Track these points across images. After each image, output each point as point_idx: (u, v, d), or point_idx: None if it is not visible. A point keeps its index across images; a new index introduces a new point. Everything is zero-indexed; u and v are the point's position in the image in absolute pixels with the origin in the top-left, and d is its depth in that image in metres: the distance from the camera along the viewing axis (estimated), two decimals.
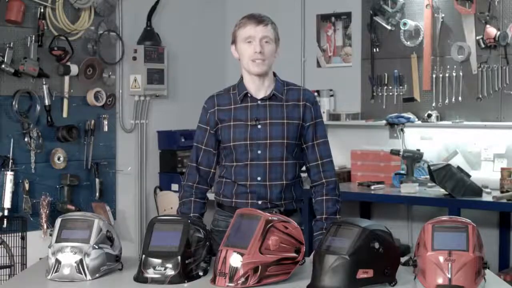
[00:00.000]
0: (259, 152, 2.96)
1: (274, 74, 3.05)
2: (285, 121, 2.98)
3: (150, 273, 2.51)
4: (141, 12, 5.65)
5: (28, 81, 4.89)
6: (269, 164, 2.97)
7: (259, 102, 2.99)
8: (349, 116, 5.75)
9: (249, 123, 2.97)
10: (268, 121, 2.97)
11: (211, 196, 3.10)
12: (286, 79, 3.11)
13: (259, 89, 3.00)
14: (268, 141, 2.96)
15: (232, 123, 2.98)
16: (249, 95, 3.00)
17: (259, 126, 2.97)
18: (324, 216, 3.01)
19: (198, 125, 3.10)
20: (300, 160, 3.06)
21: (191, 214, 3.00)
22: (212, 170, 3.07)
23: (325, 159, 3.06)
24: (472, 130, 5.30)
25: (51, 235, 2.74)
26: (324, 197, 3.04)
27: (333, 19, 5.98)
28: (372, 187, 5.21)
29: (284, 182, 2.98)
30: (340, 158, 5.54)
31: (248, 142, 2.96)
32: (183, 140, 5.79)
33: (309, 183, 3.10)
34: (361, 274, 2.37)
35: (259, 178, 2.97)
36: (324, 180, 3.04)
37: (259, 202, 2.96)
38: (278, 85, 3.03)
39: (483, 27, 5.21)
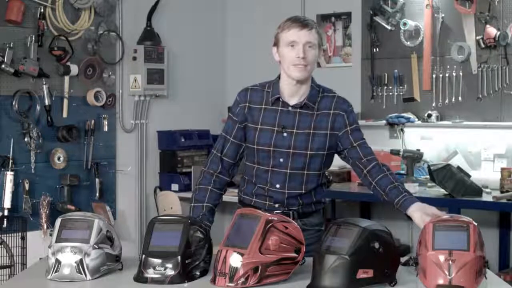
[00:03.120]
0: (281, 160, 2.93)
1: (312, 79, 2.98)
2: (311, 131, 2.92)
3: (150, 273, 2.51)
4: (141, 12, 5.66)
5: (28, 81, 4.89)
6: (290, 173, 2.94)
7: (290, 108, 2.94)
8: None
9: (275, 128, 2.93)
10: (294, 131, 2.92)
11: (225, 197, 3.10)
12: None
13: (293, 95, 2.94)
14: (291, 151, 2.92)
15: (259, 126, 2.94)
16: (281, 99, 2.94)
17: (284, 134, 2.92)
18: (395, 184, 2.88)
19: (229, 115, 3.04)
20: (325, 169, 3.00)
21: (205, 203, 2.95)
22: (236, 162, 3.03)
23: (369, 156, 2.99)
24: (472, 130, 5.30)
25: (51, 235, 2.74)
26: (387, 172, 2.93)
27: (333, 19, 5.98)
28: None
29: (303, 191, 2.96)
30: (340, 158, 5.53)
31: (272, 148, 2.93)
32: (183, 140, 5.79)
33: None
34: (361, 274, 2.37)
35: (278, 186, 2.95)
36: (375, 163, 2.96)
37: (276, 205, 2.96)
38: (313, 92, 2.96)
39: (483, 27, 5.21)
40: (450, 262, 2.37)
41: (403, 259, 2.69)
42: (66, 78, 5.10)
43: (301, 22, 2.89)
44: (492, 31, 5.16)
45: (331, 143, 2.95)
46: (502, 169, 4.89)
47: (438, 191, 4.88)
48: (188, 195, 5.08)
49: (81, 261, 2.54)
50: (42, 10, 4.93)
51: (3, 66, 4.71)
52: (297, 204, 2.97)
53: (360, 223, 2.45)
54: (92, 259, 2.56)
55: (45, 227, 4.85)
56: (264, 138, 2.93)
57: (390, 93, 5.69)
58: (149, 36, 5.66)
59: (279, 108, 2.94)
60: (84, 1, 5.14)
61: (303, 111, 2.94)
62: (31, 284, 2.59)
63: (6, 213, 4.73)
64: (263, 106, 2.96)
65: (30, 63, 4.82)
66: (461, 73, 5.37)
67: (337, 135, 2.95)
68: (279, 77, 2.98)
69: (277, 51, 2.94)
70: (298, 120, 2.93)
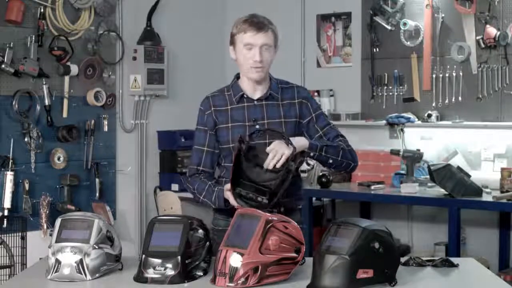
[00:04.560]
0: None
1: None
2: (282, 120, 2.98)
3: (150, 273, 2.51)
4: (141, 12, 5.66)
5: (28, 81, 4.89)
6: None
7: (255, 102, 3.00)
8: (349, 116, 5.75)
9: (247, 123, 2.97)
10: (266, 121, 2.97)
11: None
12: (286, 79, 3.11)
13: (255, 90, 3.01)
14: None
15: (230, 124, 2.98)
16: (245, 96, 3.00)
17: (257, 127, 2.97)
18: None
19: (197, 128, 3.09)
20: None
21: (209, 183, 2.97)
22: (213, 171, 3.08)
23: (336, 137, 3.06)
24: (472, 130, 5.30)
25: (51, 235, 2.74)
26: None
27: (333, 19, 5.98)
28: (372, 187, 5.20)
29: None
30: None
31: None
32: (183, 140, 5.79)
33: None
34: (361, 274, 2.37)
35: None
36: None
37: None
38: (274, 84, 3.03)
39: (483, 27, 5.21)
40: None
41: (403, 259, 2.70)
42: (66, 78, 5.10)
43: (257, 24, 2.93)
44: (492, 31, 5.16)
45: (298, 130, 3.02)
46: (502, 169, 4.89)
47: (438, 191, 4.88)
48: (188, 195, 5.08)
49: (81, 261, 2.54)
50: (42, 10, 4.93)
51: (3, 66, 4.71)
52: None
53: (360, 223, 2.46)
54: (92, 259, 2.56)
55: (45, 227, 4.86)
56: (238, 134, 2.95)
57: (390, 93, 5.69)
58: (149, 36, 5.66)
59: (245, 104, 3.00)
60: (84, 1, 5.14)
61: (269, 102, 3.00)
62: (31, 284, 2.59)
63: (6, 213, 4.73)
64: (228, 107, 3.01)
65: (30, 63, 4.81)
66: (461, 73, 5.37)
67: (301, 123, 3.02)
68: (237, 77, 3.04)
69: (233, 49, 3.00)
70: (267, 111, 2.99)
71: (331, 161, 2.98)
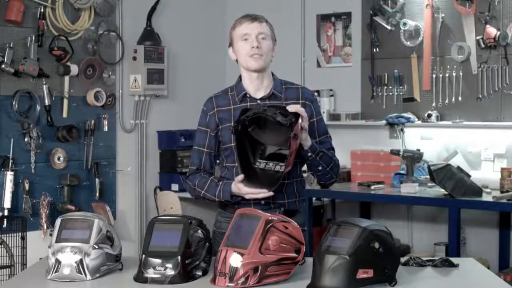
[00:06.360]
0: None
1: (272, 74, 3.05)
2: None
3: (150, 273, 2.51)
4: (141, 12, 5.66)
5: (28, 81, 4.90)
6: None
7: (258, 101, 2.98)
8: (349, 116, 5.75)
9: None
10: None
11: None
12: (286, 79, 3.10)
13: (258, 89, 3.00)
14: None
15: (232, 124, 2.96)
16: (248, 95, 2.99)
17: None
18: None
19: (198, 128, 3.07)
20: (301, 159, 3.03)
21: (210, 178, 2.98)
22: (213, 171, 3.08)
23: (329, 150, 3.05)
24: (472, 130, 5.30)
25: (51, 235, 2.74)
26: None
27: (333, 19, 5.98)
28: (372, 187, 5.21)
29: (286, 181, 2.97)
30: (340, 158, 5.50)
31: None
32: (183, 140, 5.79)
33: (310, 181, 3.09)
34: (361, 274, 2.37)
35: None
36: None
37: (262, 202, 2.94)
38: (277, 84, 3.02)
39: (483, 27, 5.21)
40: None
41: (403, 259, 2.70)
42: (66, 78, 5.10)
43: (251, 16, 2.96)
44: (492, 31, 5.16)
45: None
46: (502, 169, 4.89)
47: (438, 191, 4.88)
48: (188, 195, 5.08)
49: (81, 261, 2.54)
50: (42, 10, 4.93)
51: (3, 66, 4.71)
52: (283, 197, 2.97)
53: (360, 223, 2.45)
54: (92, 259, 2.56)
55: (45, 227, 4.86)
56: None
57: (390, 93, 5.69)
58: (149, 36, 5.66)
59: (248, 103, 2.98)
60: (84, 1, 5.14)
61: (272, 102, 2.97)
62: (31, 284, 2.59)
63: (6, 213, 4.73)
64: (231, 107, 2.99)
65: (30, 63, 4.82)
66: (461, 73, 5.37)
67: None
68: (240, 78, 3.03)
69: (232, 50, 3.00)
70: None
71: (320, 168, 2.97)
